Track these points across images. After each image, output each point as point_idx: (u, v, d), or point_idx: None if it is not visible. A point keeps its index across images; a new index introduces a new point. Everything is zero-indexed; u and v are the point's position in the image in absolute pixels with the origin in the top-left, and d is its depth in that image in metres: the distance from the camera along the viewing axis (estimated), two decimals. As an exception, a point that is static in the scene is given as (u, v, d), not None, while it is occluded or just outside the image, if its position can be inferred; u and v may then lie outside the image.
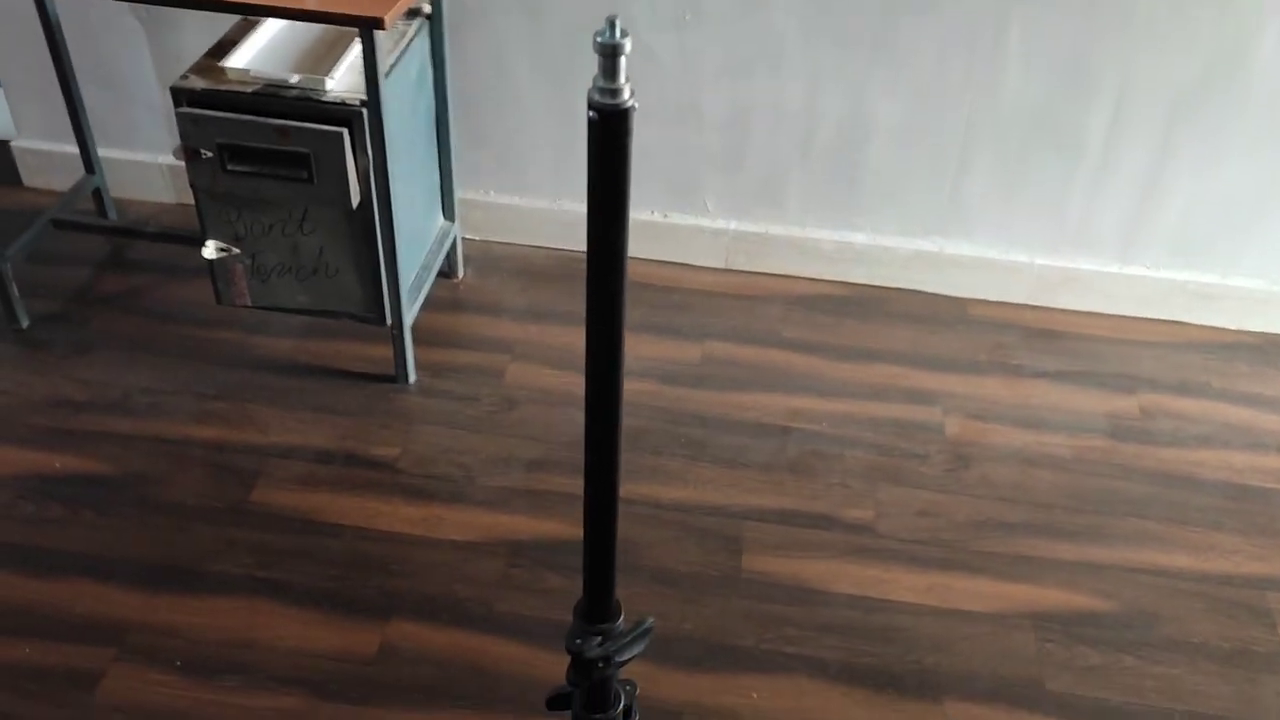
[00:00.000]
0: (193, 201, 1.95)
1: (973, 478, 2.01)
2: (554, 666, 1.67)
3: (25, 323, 2.22)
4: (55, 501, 1.88)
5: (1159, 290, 2.37)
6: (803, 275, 2.46)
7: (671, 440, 2.05)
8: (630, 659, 0.83)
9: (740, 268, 2.48)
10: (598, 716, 0.87)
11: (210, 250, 1.98)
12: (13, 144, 2.57)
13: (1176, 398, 2.21)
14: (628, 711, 0.89)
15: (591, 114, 0.71)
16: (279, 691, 1.61)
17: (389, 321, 2.05)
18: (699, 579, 1.80)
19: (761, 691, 1.64)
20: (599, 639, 0.83)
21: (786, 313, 2.38)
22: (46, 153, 2.55)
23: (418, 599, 1.74)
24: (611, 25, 0.70)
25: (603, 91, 0.71)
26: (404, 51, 1.95)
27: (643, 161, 2.36)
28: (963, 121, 2.23)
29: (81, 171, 2.41)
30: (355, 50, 1.86)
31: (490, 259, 2.48)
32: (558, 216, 2.47)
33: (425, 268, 2.20)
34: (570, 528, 1.87)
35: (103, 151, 2.42)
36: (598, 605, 0.84)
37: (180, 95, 1.81)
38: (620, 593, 0.97)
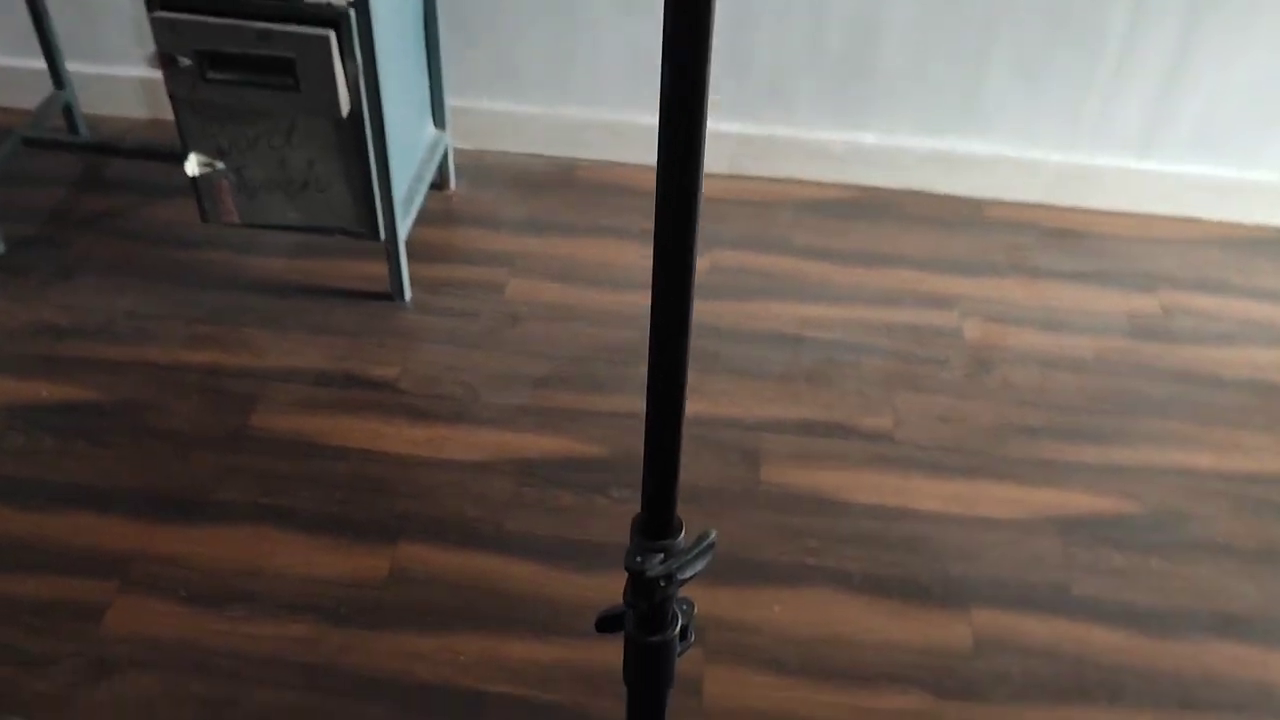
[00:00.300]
0: (168, 116, 1.85)
1: (993, 382, 1.95)
2: (569, 586, 1.65)
3: (2, 248, 2.13)
4: (46, 432, 1.81)
5: (1178, 185, 2.30)
6: (812, 179, 2.37)
7: (682, 352, 1.99)
8: (692, 576, 0.78)
9: (747, 172, 2.39)
10: (655, 638, 0.82)
11: (193, 165, 1.88)
12: (-25, 60, 2.45)
13: (1197, 295, 2.15)
14: (684, 631, 0.83)
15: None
16: (288, 619, 1.57)
17: (383, 236, 1.97)
18: (719, 493, 1.75)
19: (785, 604, 1.61)
20: (661, 556, 0.77)
21: (796, 218, 2.30)
22: (11, 68, 2.42)
23: (426, 521, 1.70)
24: None
25: None
26: (388, -55, 1.83)
27: (643, 64, 2.26)
28: (979, 14, 2.12)
29: (50, 88, 2.29)
30: (337, -56, 1.74)
31: (484, 169, 2.38)
32: (555, 121, 2.36)
33: (417, 179, 2.11)
34: (581, 444, 1.82)
35: (71, 66, 2.30)
36: (659, 520, 0.78)
37: (152, -2, 1.70)
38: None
